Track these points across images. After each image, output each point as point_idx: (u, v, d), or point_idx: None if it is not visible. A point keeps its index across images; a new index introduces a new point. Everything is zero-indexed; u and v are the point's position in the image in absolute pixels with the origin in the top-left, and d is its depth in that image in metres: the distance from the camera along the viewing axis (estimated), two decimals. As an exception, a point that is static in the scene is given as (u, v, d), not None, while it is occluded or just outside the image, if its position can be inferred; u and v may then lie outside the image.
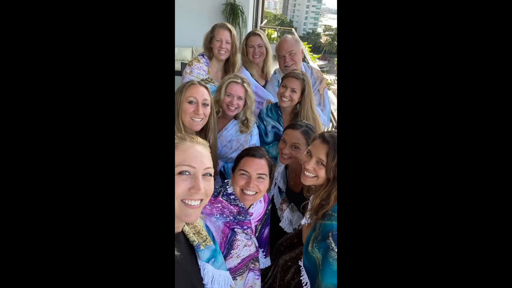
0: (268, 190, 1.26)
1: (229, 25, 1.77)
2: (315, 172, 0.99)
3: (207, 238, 0.78)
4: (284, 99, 1.47)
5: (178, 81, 1.40)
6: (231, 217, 1.02)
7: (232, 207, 1.03)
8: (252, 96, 1.45)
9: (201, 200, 0.66)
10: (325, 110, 1.85)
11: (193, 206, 0.65)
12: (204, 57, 1.79)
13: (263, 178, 1.03)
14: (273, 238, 1.28)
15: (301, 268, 1.01)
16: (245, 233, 1.03)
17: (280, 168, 1.39)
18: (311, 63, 3.74)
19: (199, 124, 1.22)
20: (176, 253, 0.67)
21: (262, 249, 1.19)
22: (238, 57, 1.85)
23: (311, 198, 1.08)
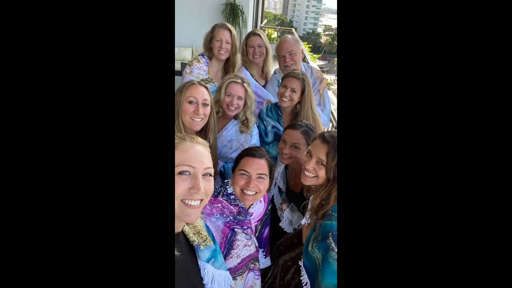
0: (268, 190, 1.26)
1: (229, 25, 1.77)
2: (315, 172, 0.99)
3: (207, 238, 0.78)
4: (284, 99, 1.48)
5: (178, 81, 1.41)
6: (231, 217, 1.02)
7: (232, 207, 1.03)
8: (252, 96, 1.45)
9: (201, 200, 0.66)
10: (325, 110, 1.85)
11: (193, 206, 0.65)
12: (204, 57, 1.79)
13: (263, 178, 1.03)
14: (273, 238, 1.28)
15: (301, 268, 1.01)
16: (245, 233, 1.03)
17: (280, 168, 1.39)
18: (311, 63, 3.74)
19: (199, 124, 1.22)
20: (176, 253, 0.67)
21: (262, 249, 1.19)
22: (238, 57, 1.85)
23: (311, 198, 1.08)
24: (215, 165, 1.06)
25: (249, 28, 5.15)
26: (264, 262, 1.21)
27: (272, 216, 1.26)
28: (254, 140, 1.51)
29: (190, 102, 1.18)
